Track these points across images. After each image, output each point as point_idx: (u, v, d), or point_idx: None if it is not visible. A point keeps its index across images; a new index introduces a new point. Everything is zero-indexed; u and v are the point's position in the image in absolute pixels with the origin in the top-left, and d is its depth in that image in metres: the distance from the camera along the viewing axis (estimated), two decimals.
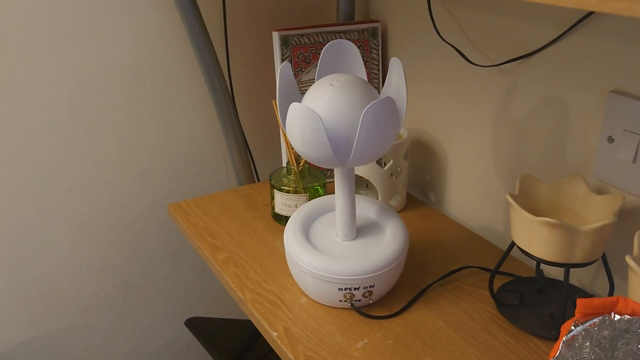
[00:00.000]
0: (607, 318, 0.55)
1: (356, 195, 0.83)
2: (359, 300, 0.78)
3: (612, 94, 0.73)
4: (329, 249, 0.80)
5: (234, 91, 1.15)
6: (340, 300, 0.78)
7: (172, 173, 1.17)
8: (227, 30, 1.11)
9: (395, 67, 0.76)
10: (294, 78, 0.78)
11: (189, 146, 1.17)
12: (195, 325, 1.16)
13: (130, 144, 1.11)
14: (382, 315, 0.78)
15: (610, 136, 0.74)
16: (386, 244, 0.79)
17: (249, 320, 1.11)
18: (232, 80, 1.14)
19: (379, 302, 0.81)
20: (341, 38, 1.07)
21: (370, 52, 1.10)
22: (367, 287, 0.77)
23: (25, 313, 1.13)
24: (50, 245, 1.10)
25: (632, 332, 0.55)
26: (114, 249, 1.17)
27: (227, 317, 1.28)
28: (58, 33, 0.98)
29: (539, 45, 0.81)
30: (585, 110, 0.78)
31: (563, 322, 0.69)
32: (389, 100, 0.69)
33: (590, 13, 0.74)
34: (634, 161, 0.72)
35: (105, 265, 1.17)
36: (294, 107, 0.69)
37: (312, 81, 1.07)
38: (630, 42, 0.71)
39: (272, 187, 0.98)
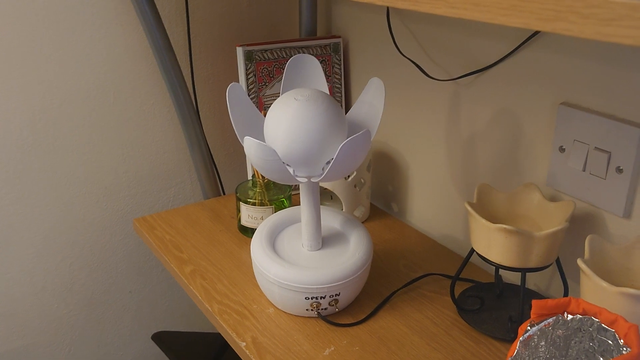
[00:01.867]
0: (560, 318, 0.59)
1: (321, 207, 0.85)
2: (326, 309, 0.80)
3: (562, 106, 0.77)
4: (295, 259, 0.81)
5: (198, 105, 1.17)
6: (307, 309, 0.79)
7: (137, 187, 1.17)
8: (192, 45, 1.12)
9: (373, 86, 0.79)
10: (246, 95, 0.80)
11: (154, 160, 1.17)
12: (163, 339, 1.16)
13: (95, 159, 1.11)
14: (348, 322, 0.80)
15: (562, 146, 0.78)
16: (351, 254, 0.81)
17: (217, 333, 1.12)
18: (196, 95, 1.16)
19: (345, 310, 0.82)
20: (304, 53, 1.09)
21: (333, 67, 1.12)
22: (333, 296, 0.79)
23: None
24: (13, 262, 1.09)
25: (584, 330, 0.58)
26: (79, 265, 1.16)
27: (195, 331, 1.28)
28: (19, 48, 0.98)
29: (493, 59, 0.85)
30: (537, 121, 0.82)
31: (521, 325, 0.72)
32: (367, 134, 0.72)
33: (538, 31, 0.78)
34: (584, 169, 0.76)
35: (69, 282, 1.16)
36: (247, 141, 0.71)
37: (276, 95, 1.09)
38: (579, 58, 0.75)
39: (238, 199, 0.99)
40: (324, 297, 0.78)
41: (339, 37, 1.12)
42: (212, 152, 1.17)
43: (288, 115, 0.73)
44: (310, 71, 0.83)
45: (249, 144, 0.71)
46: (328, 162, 0.76)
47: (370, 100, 0.80)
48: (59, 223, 1.11)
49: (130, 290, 1.24)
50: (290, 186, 1.03)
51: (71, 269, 1.15)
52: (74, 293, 1.17)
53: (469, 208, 0.76)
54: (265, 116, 0.82)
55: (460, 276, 0.83)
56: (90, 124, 1.08)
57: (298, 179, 0.76)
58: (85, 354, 1.23)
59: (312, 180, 0.76)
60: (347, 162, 0.73)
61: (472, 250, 0.78)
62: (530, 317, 0.60)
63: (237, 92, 0.79)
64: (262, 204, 0.97)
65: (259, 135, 0.81)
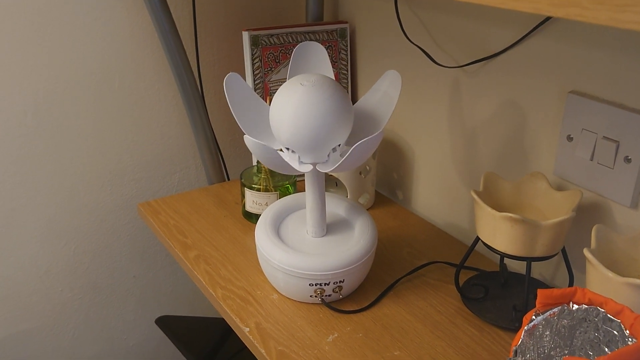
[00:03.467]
0: (565, 308, 0.58)
1: (326, 193, 0.85)
2: (329, 296, 0.80)
3: (571, 94, 0.76)
4: (300, 245, 0.81)
5: (204, 91, 1.16)
6: (310, 296, 0.79)
7: (141, 172, 1.17)
8: (197, 29, 1.12)
9: (389, 78, 0.78)
10: (246, 84, 0.80)
11: (159, 145, 1.17)
12: (166, 323, 1.16)
13: (99, 144, 1.11)
14: (352, 309, 0.80)
15: (569, 135, 0.78)
16: (355, 241, 0.81)
17: (221, 318, 1.12)
18: (202, 80, 1.15)
19: (349, 297, 0.82)
20: (310, 38, 1.08)
21: (339, 53, 1.11)
22: (337, 283, 0.78)
23: None
24: (17, 246, 1.09)
25: (589, 320, 0.57)
26: (83, 249, 1.16)
27: (198, 316, 1.28)
28: (24, 31, 0.98)
29: (501, 47, 0.84)
30: (545, 110, 0.81)
31: (525, 314, 0.71)
32: (380, 135, 0.72)
33: (549, 17, 0.77)
34: (592, 159, 0.75)
35: (73, 266, 1.16)
36: (247, 140, 0.72)
37: (282, 80, 1.09)
38: (588, 46, 0.74)
39: (243, 185, 0.99)
40: (327, 284, 0.78)
41: (346, 22, 1.11)
42: (217, 138, 1.17)
43: (294, 101, 0.72)
44: (316, 59, 0.82)
45: (249, 143, 0.71)
46: (334, 149, 0.75)
47: (385, 91, 0.79)
48: (63, 207, 1.11)
49: (134, 274, 1.24)
50: None
51: (75, 253, 1.15)
52: (78, 277, 1.17)
53: (475, 196, 0.75)
54: (268, 102, 0.82)
55: (464, 264, 0.83)
56: (94, 109, 1.08)
57: (303, 166, 0.75)
58: (89, 337, 1.24)
59: (319, 169, 0.76)
60: (358, 159, 0.73)
61: (477, 239, 0.78)
62: (535, 307, 0.60)
63: (235, 83, 0.78)
64: (266, 190, 0.97)
65: (264, 122, 0.80)
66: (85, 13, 1.01)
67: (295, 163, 0.76)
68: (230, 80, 0.77)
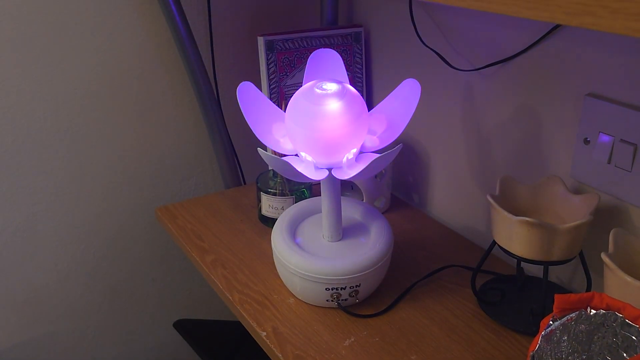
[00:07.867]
0: (583, 313, 0.58)
1: (342, 197, 0.85)
2: (346, 300, 0.80)
3: (588, 97, 0.76)
4: (316, 249, 0.81)
5: (219, 95, 1.17)
6: (327, 300, 0.80)
7: (158, 177, 1.18)
8: (213, 35, 1.12)
9: (408, 86, 0.78)
10: (259, 92, 0.80)
11: (176, 150, 1.18)
12: (184, 327, 1.17)
13: (117, 148, 1.12)
14: (369, 314, 0.80)
15: (586, 138, 0.77)
16: (371, 245, 0.81)
17: (238, 322, 1.12)
18: (218, 85, 1.16)
19: (365, 301, 0.82)
20: (325, 43, 1.09)
21: (354, 57, 1.12)
22: (353, 287, 0.79)
23: (11, 318, 1.13)
24: (37, 250, 1.11)
25: (608, 326, 0.57)
26: (101, 253, 1.17)
27: (216, 319, 1.29)
28: (43, 37, 0.99)
29: (517, 50, 0.84)
30: (562, 113, 0.81)
31: (543, 318, 0.71)
32: (397, 150, 0.72)
33: None
34: (609, 162, 0.75)
35: (92, 270, 1.17)
36: (261, 153, 0.73)
37: (297, 85, 1.09)
38: (605, 48, 0.73)
39: (259, 189, 0.99)
40: (344, 288, 0.78)
41: (361, 26, 1.11)
42: (233, 142, 1.17)
43: (308, 107, 0.73)
44: (331, 65, 0.82)
45: (263, 156, 0.72)
46: (349, 154, 0.76)
47: (403, 99, 0.79)
48: (82, 212, 1.12)
49: (152, 278, 1.25)
50: None
51: (95, 257, 1.17)
52: (97, 281, 1.19)
53: (491, 200, 0.75)
54: (283, 107, 0.82)
55: (481, 268, 0.83)
56: (112, 114, 1.09)
57: (319, 172, 0.76)
58: (108, 341, 1.25)
59: (334, 174, 0.76)
60: (374, 170, 0.74)
61: (494, 243, 0.78)
62: (552, 311, 0.59)
63: (248, 92, 0.78)
64: (282, 194, 0.98)
65: (279, 128, 0.81)
66: (103, 20, 1.03)
67: (311, 168, 0.76)
68: (243, 89, 0.78)
